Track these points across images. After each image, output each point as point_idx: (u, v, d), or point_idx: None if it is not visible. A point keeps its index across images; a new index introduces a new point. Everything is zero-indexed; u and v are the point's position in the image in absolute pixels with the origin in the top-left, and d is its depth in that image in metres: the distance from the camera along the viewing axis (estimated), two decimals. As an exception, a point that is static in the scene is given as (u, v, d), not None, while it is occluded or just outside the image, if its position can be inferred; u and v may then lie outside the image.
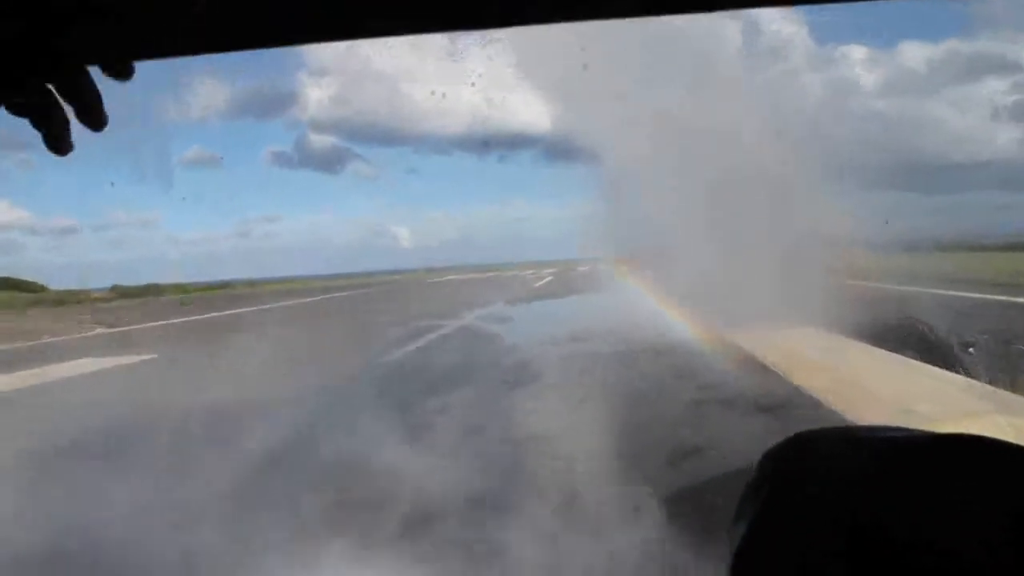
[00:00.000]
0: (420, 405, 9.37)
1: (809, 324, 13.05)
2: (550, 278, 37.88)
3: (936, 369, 9.42)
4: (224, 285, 50.71)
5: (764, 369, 10.52)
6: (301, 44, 1.34)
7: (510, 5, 1.19)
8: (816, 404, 8.63)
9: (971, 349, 9.46)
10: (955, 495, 0.70)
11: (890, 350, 10.49)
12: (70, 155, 1.01)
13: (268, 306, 29.26)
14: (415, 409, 9.18)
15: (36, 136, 0.98)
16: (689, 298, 17.85)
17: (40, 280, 47.33)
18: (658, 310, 18.44)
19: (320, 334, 18.79)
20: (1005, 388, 7.89)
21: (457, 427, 8.48)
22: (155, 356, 15.70)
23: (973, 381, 8.62)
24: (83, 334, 22.95)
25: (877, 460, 0.76)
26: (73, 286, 47.68)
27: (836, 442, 0.83)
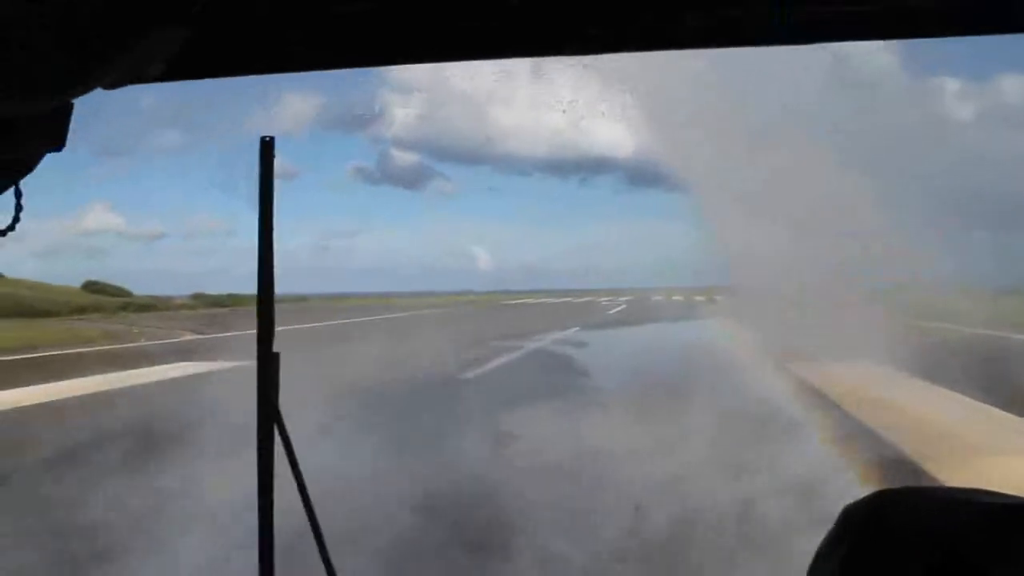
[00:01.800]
0: (491, 425, 9.79)
1: (901, 368, 12.98)
2: (624, 306, 38.02)
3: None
4: (301, 299, 51.44)
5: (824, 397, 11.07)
6: (381, 65, 1.38)
7: (569, 36, 1.25)
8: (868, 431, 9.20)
9: None
10: None
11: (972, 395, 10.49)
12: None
13: (344, 321, 29.82)
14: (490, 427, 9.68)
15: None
16: (764, 332, 18.06)
17: (126, 285, 48.51)
18: (729, 343, 18.74)
19: (404, 350, 19.21)
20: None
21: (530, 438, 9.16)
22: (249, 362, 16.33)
23: None
24: (174, 339, 23.85)
25: (969, 524, 0.73)
26: (156, 292, 48.87)
27: (922, 502, 0.81)
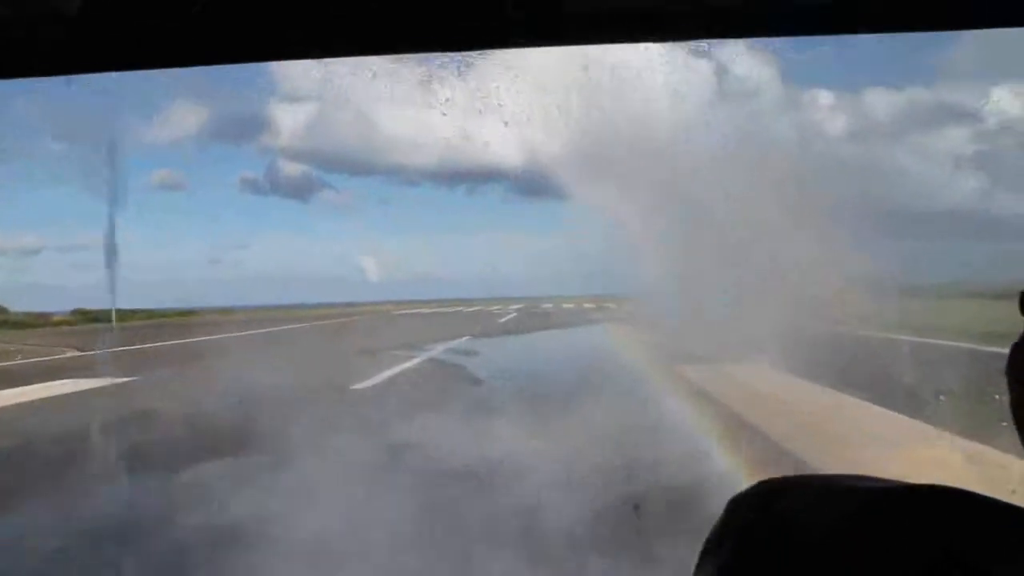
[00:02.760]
0: (383, 437, 9.86)
1: (771, 365, 13.67)
2: (514, 314, 38.27)
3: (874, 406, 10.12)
4: (190, 312, 50.31)
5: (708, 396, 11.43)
6: (278, 60, 1.39)
7: (484, 29, 1.23)
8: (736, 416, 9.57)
9: (941, 397, 9.55)
10: (930, 549, 0.69)
11: (848, 391, 10.97)
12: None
13: (235, 335, 29.36)
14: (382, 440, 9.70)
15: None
16: (655, 338, 18.46)
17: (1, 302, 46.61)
18: (616, 346, 19.12)
19: (291, 362, 19.08)
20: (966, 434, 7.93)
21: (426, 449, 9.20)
22: (136, 378, 16.09)
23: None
24: (56, 356, 23.14)
25: (853, 511, 0.74)
26: (35, 308, 47.01)
27: (805, 491, 0.81)
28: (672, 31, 1.30)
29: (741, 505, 0.84)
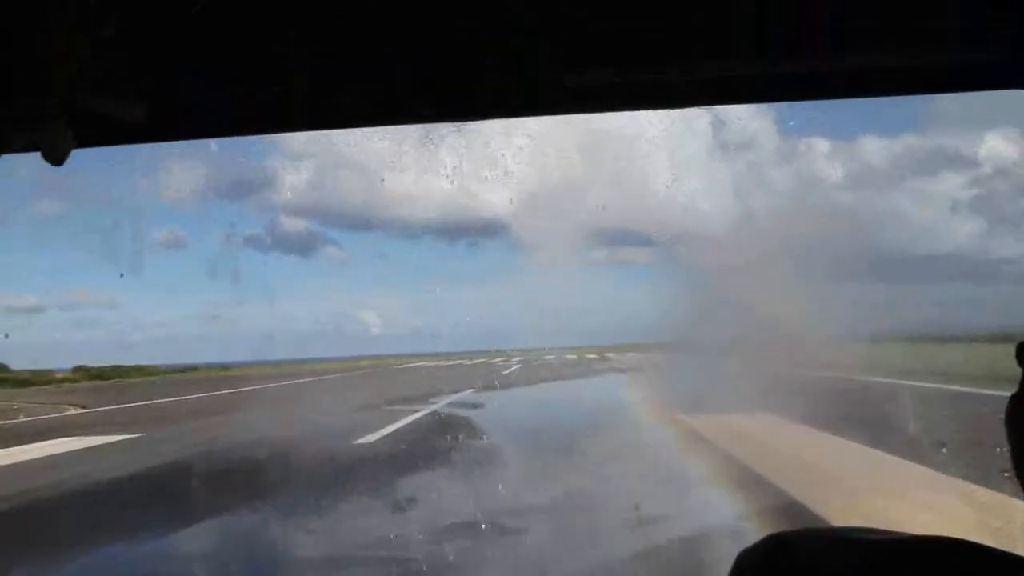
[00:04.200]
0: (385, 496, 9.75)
1: (773, 413, 13.64)
2: (518, 366, 38.24)
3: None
4: (190, 368, 50.32)
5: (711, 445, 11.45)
6: (282, 132, 1.42)
7: (486, 100, 1.26)
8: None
9: (943, 449, 9.53)
10: None
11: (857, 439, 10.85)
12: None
13: (235, 390, 29.32)
14: (386, 498, 9.66)
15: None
16: (653, 388, 18.50)
17: (2, 360, 46.53)
18: (624, 398, 19.14)
19: (293, 417, 19.06)
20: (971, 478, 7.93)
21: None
22: (138, 435, 16.05)
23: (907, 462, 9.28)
24: (57, 414, 23.10)
25: (860, 563, 0.74)
26: (36, 366, 46.96)
27: (814, 544, 0.81)
28: (667, 100, 1.34)
29: (751, 559, 0.84)
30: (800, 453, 10.65)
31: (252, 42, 1.18)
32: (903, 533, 0.77)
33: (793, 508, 7.91)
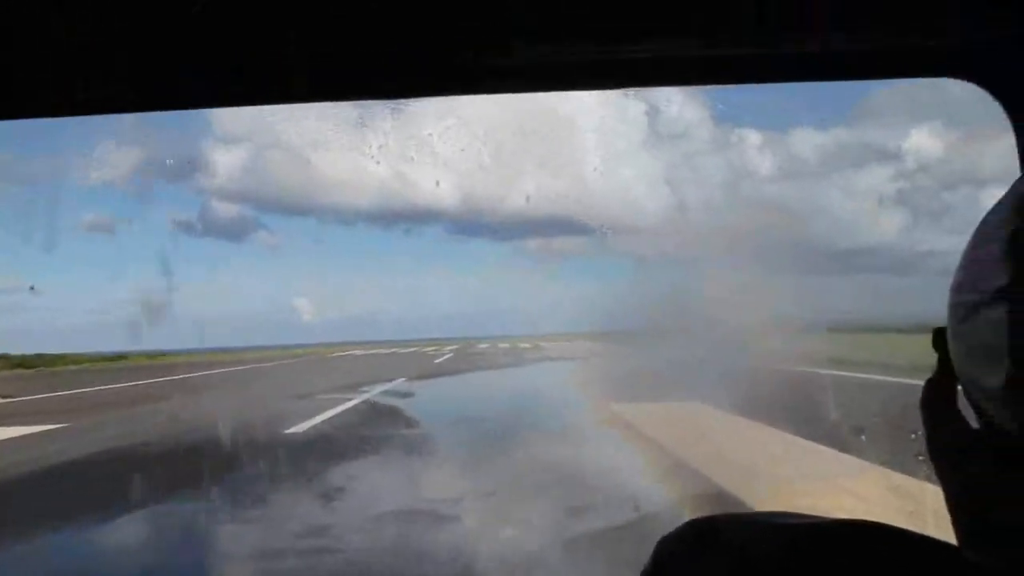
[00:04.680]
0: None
1: (701, 401, 13.88)
2: (451, 355, 38.24)
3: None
4: (120, 356, 49.39)
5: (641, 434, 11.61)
6: (215, 107, 1.36)
7: (419, 77, 1.23)
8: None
9: (863, 436, 9.85)
10: None
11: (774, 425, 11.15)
12: None
13: (164, 379, 28.92)
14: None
15: None
16: (585, 376, 18.64)
17: (-84, 348, 44.95)
18: (551, 388, 19.28)
19: (222, 406, 18.89)
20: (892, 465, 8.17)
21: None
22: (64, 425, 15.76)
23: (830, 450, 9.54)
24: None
25: (786, 547, 0.74)
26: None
27: (738, 529, 0.80)
28: (614, 79, 1.33)
29: (671, 545, 0.83)
30: (728, 441, 10.80)
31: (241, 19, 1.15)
32: (825, 517, 0.78)
33: (719, 496, 8.05)
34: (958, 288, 0.71)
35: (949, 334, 0.74)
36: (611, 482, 9.17)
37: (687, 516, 0.85)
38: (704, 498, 8.00)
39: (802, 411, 11.65)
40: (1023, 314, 0.64)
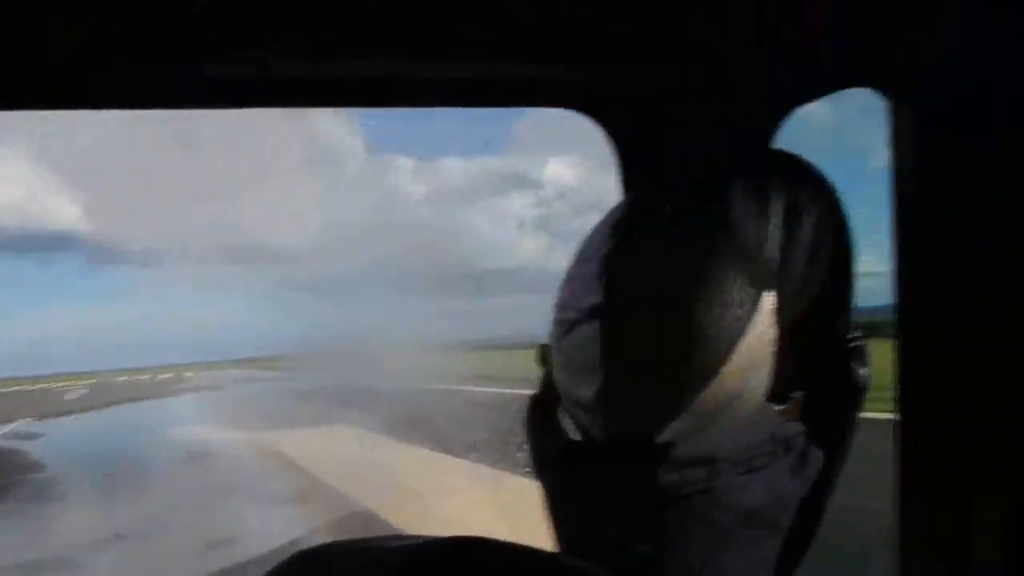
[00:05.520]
0: None
1: (351, 424, 13.97)
2: (86, 391, 36.14)
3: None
4: None
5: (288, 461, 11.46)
6: None
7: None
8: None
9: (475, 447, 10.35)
10: None
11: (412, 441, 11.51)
12: None
13: None
14: None
15: None
16: (232, 404, 18.14)
17: None
18: (195, 421, 18.64)
19: None
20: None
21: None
22: None
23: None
24: None
25: (384, 572, 0.74)
26: None
27: (344, 556, 0.79)
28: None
29: None
30: (373, 462, 10.92)
31: None
32: (428, 536, 0.76)
33: (364, 516, 8.10)
34: (560, 306, 0.74)
35: (551, 349, 0.77)
36: (257, 513, 8.94)
37: (331, 539, 0.79)
38: (349, 519, 8.03)
39: (445, 427, 12.04)
40: (614, 330, 0.68)
